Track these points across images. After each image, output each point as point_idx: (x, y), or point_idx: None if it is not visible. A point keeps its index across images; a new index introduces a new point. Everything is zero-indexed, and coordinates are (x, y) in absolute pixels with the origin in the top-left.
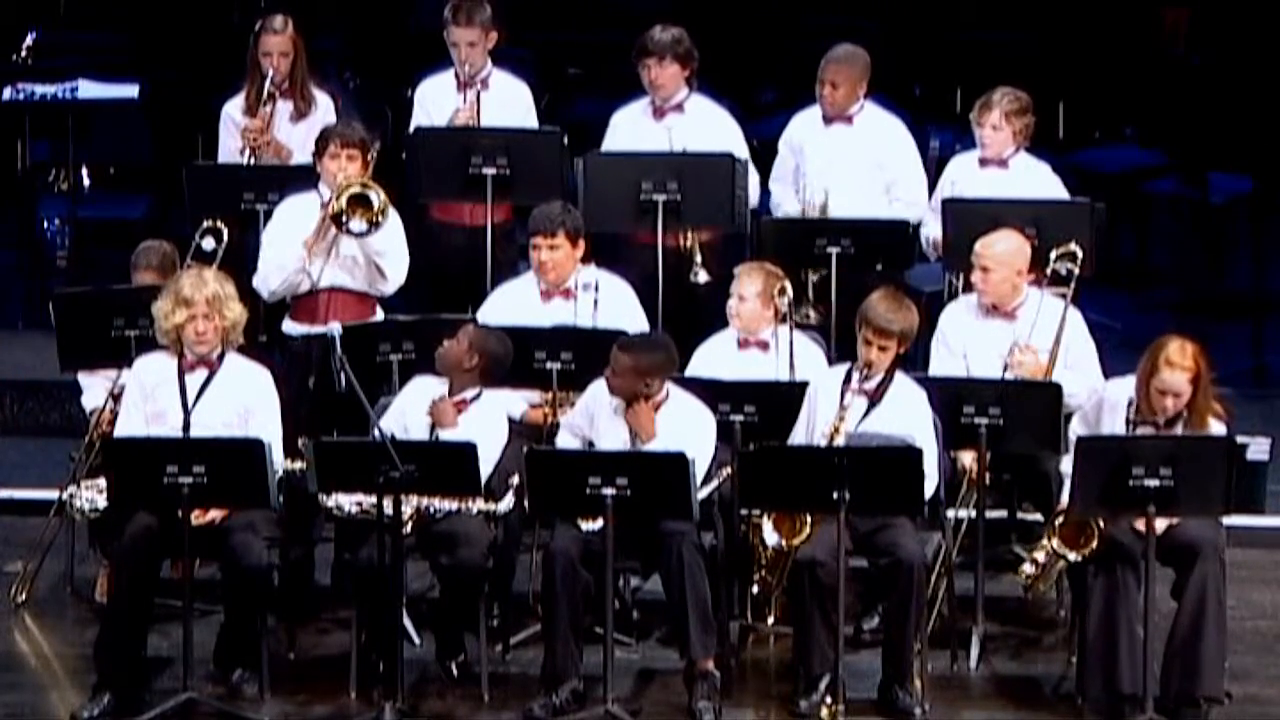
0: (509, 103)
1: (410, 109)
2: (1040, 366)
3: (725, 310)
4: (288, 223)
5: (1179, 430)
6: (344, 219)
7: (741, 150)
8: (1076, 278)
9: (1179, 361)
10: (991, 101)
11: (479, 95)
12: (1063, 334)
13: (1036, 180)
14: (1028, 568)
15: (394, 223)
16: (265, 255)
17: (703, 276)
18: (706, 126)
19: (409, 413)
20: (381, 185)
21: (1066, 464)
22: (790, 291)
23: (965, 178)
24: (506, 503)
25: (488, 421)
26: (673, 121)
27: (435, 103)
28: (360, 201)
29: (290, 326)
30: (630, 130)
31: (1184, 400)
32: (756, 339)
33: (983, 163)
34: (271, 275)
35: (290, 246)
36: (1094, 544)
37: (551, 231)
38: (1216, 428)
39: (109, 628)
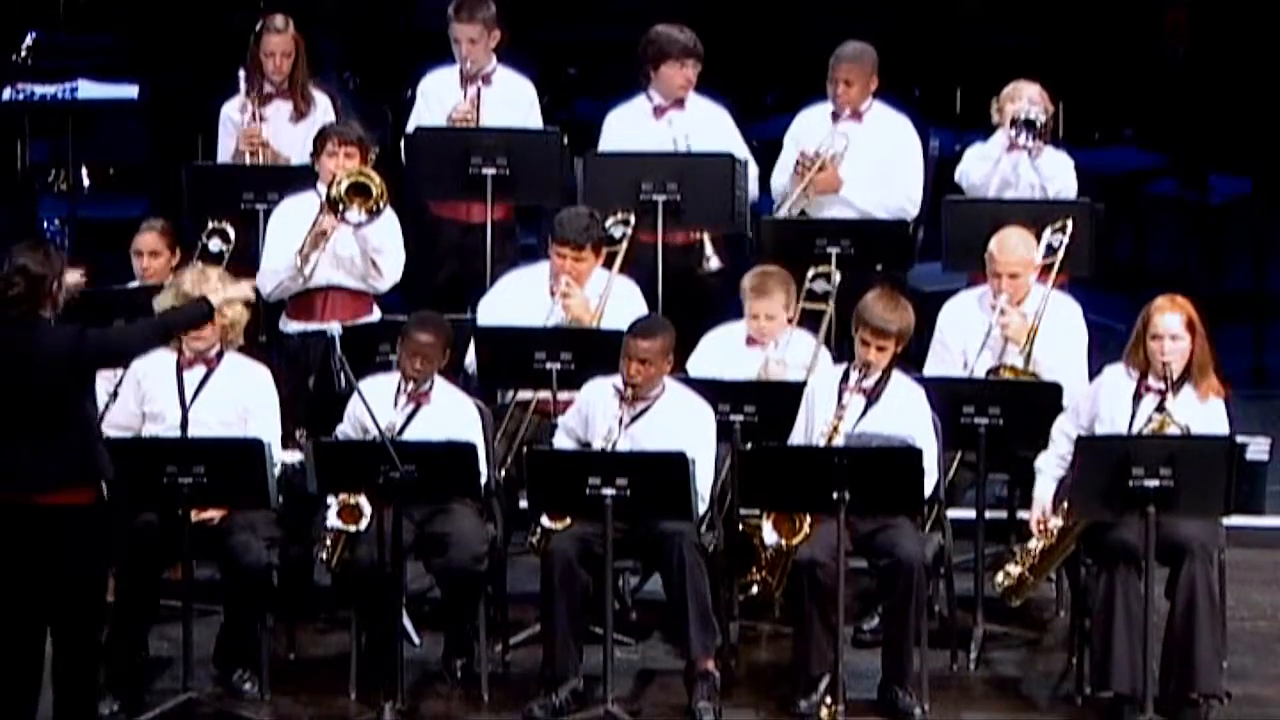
0: (512, 99)
1: (410, 108)
2: (1025, 327)
3: (732, 299)
4: (285, 224)
5: (1187, 391)
6: (341, 208)
7: (742, 148)
8: (1065, 255)
9: (1168, 305)
10: (1021, 85)
11: (479, 91)
12: (1048, 309)
13: (1062, 168)
14: (999, 577)
15: (391, 219)
16: (263, 258)
17: (714, 264)
18: (710, 123)
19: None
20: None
21: (1040, 459)
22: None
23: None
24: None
25: (456, 403)
26: (676, 119)
27: (437, 97)
28: (358, 190)
29: (287, 325)
30: (630, 131)
31: (1183, 346)
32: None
33: (1011, 148)
34: (267, 279)
35: (285, 250)
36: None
37: (580, 245)
38: (1217, 406)
39: (115, 628)
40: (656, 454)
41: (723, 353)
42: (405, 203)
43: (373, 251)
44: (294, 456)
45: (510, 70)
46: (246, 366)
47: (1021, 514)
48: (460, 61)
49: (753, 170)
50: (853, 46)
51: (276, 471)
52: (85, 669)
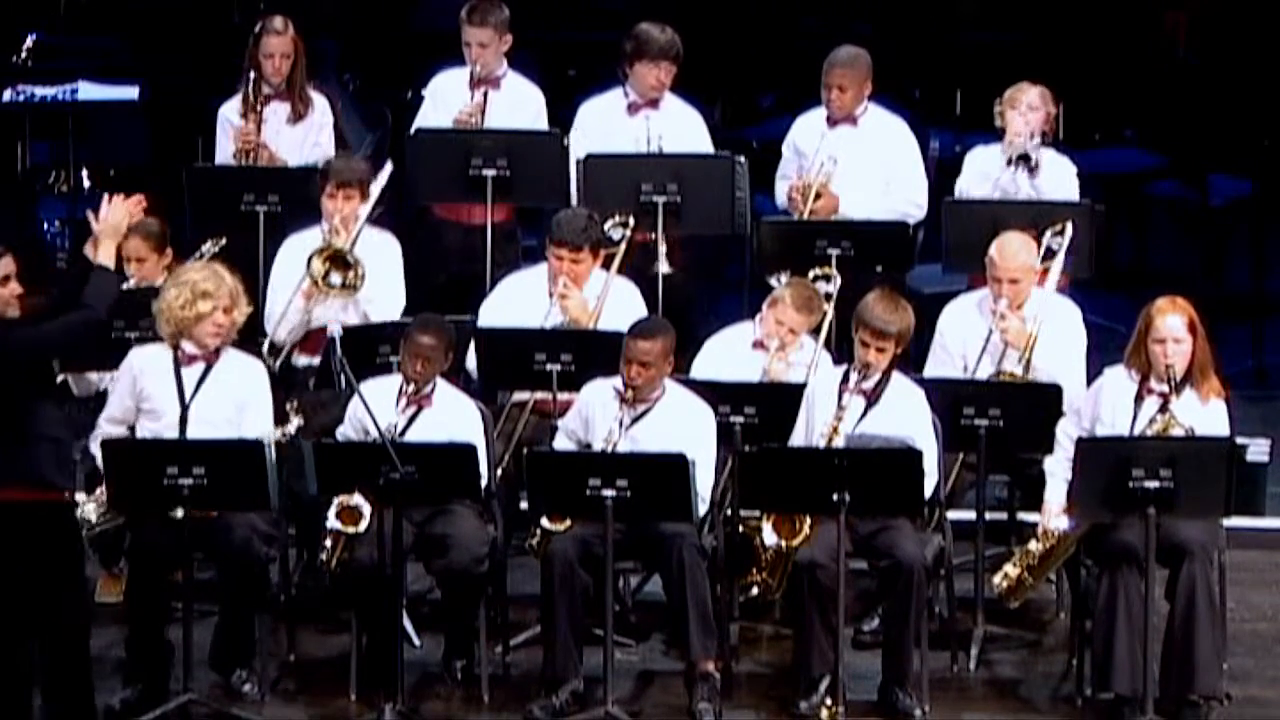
0: (519, 105)
1: (411, 109)
2: (1024, 332)
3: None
4: (291, 266)
5: (1189, 393)
6: (325, 276)
7: (709, 149)
8: (1065, 257)
9: (1170, 307)
10: (1024, 87)
11: (487, 95)
12: (1047, 313)
13: (1063, 176)
14: (996, 578)
15: (383, 268)
16: (272, 300)
17: (664, 267)
18: (682, 126)
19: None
20: (382, 187)
21: (1050, 462)
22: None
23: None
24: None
25: (458, 405)
26: (651, 117)
27: (445, 98)
28: (339, 261)
29: (298, 359)
30: (602, 124)
31: (1186, 349)
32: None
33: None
34: (280, 324)
35: (291, 296)
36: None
37: (578, 246)
38: (1218, 408)
39: (134, 625)
40: (657, 455)
41: (729, 355)
42: (406, 204)
43: (364, 302)
44: (290, 428)
45: (520, 77)
46: (244, 361)
47: (1021, 515)
48: (470, 64)
49: None
50: (846, 51)
51: (272, 454)
52: (73, 677)
